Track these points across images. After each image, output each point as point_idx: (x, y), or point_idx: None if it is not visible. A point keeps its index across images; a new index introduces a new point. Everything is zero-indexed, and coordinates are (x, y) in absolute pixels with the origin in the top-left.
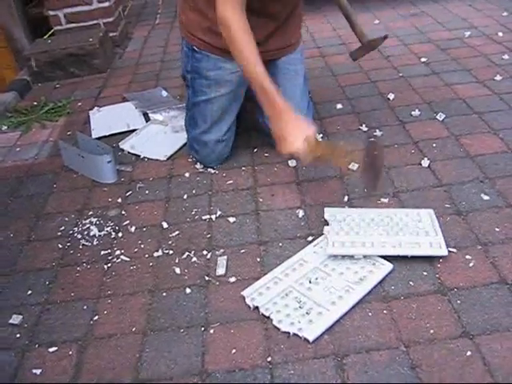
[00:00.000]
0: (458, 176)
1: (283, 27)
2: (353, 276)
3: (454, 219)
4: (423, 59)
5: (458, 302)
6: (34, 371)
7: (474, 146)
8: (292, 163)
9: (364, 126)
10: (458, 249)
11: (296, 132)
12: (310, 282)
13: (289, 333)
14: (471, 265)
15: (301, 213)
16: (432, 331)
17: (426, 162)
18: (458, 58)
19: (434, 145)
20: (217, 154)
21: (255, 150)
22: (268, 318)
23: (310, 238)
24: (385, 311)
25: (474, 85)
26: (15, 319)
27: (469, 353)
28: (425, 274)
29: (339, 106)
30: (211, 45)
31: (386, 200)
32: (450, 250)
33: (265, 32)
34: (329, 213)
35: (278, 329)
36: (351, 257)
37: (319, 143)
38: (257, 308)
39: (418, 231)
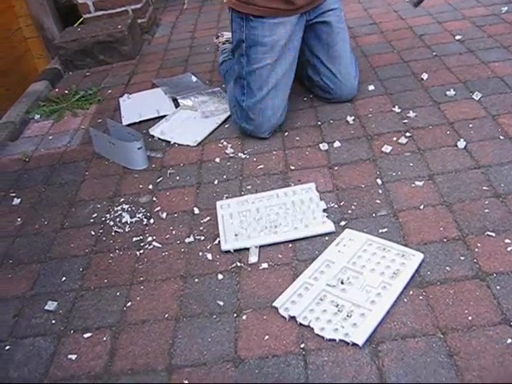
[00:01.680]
0: (496, 157)
1: None
2: (385, 271)
3: (492, 202)
4: (458, 37)
5: (498, 287)
6: (70, 356)
7: None
8: (324, 147)
9: (397, 107)
10: (497, 232)
11: None
12: (342, 282)
13: (335, 340)
14: (510, 249)
15: (333, 197)
16: (470, 318)
17: (462, 144)
18: (494, 35)
19: (471, 125)
20: (272, 123)
21: (286, 134)
22: (308, 326)
23: (342, 223)
24: (421, 297)
25: None
26: (50, 305)
27: (509, 340)
28: (462, 258)
29: (371, 87)
30: (265, 7)
31: (420, 183)
32: (489, 233)
33: None
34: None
35: (322, 337)
36: (377, 251)
37: None
38: (293, 318)
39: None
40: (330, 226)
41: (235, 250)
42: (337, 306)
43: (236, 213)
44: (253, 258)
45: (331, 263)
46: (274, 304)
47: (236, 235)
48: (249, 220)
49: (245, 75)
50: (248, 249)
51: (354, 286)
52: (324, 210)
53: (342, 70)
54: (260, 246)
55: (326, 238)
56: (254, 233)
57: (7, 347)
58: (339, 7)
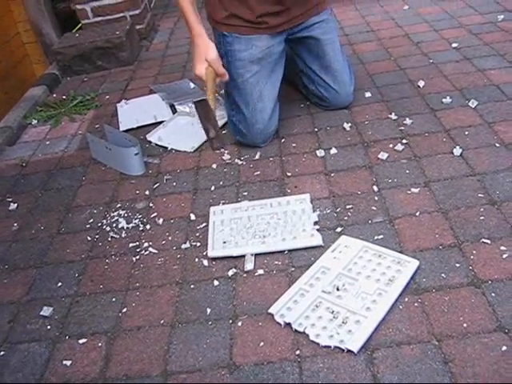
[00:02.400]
0: (492, 165)
1: None
2: (381, 278)
3: (487, 209)
4: (454, 44)
5: (493, 294)
6: (65, 362)
7: (509, 133)
8: (320, 153)
9: (393, 114)
10: (493, 240)
11: (201, 57)
12: (337, 289)
13: (330, 346)
14: (506, 256)
15: (329, 203)
16: (465, 325)
17: (458, 151)
18: (490, 43)
19: (467, 133)
20: (265, 134)
21: (283, 141)
22: (303, 333)
23: (338, 229)
24: (416, 304)
25: (508, 70)
26: (46, 311)
27: (504, 348)
28: (457, 265)
29: (368, 94)
30: (237, 26)
31: (416, 190)
32: (484, 240)
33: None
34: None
35: (318, 344)
36: (373, 258)
37: (211, 76)
38: (289, 324)
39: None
40: (317, 240)
41: (233, 257)
42: (332, 312)
43: (228, 220)
44: (248, 266)
45: (327, 270)
46: (269, 310)
47: (224, 242)
48: (239, 227)
49: (230, 91)
50: (244, 256)
51: (349, 293)
52: (315, 223)
53: (335, 78)
54: (256, 254)
55: (322, 244)
56: (242, 241)
57: (2, 353)
58: (327, 18)
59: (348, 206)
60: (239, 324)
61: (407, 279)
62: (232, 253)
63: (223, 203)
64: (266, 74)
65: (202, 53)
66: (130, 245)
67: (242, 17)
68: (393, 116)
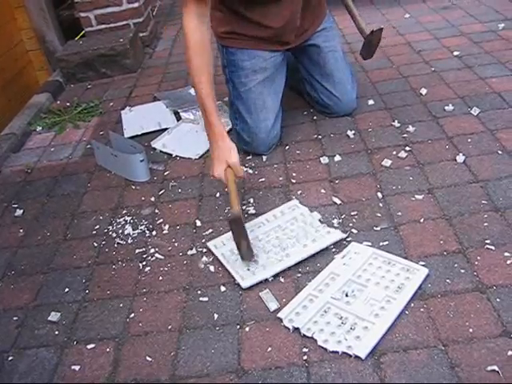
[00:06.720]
0: (495, 172)
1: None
2: (390, 285)
3: (491, 216)
4: (456, 53)
5: (498, 300)
6: (73, 367)
7: (511, 140)
8: (324, 160)
9: (396, 121)
10: (496, 246)
11: (221, 159)
12: (346, 295)
13: (338, 352)
14: (510, 262)
15: (334, 210)
16: (471, 330)
17: (461, 158)
18: (491, 51)
19: (469, 140)
20: (268, 143)
21: (287, 148)
22: (311, 338)
23: (344, 236)
24: (422, 309)
25: (510, 78)
26: (54, 316)
27: (510, 352)
28: (462, 271)
29: (371, 102)
30: (244, 41)
31: (420, 197)
32: (488, 246)
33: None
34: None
35: (325, 349)
36: (383, 265)
37: (232, 178)
38: (297, 329)
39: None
40: (339, 234)
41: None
42: (340, 318)
43: (235, 248)
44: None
45: (336, 276)
46: (278, 315)
47: (248, 269)
48: (255, 251)
49: (233, 100)
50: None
51: (358, 299)
52: (320, 221)
53: (337, 86)
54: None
55: (328, 251)
56: (266, 261)
57: (10, 358)
58: (329, 26)
59: (353, 213)
60: (247, 329)
61: (416, 287)
62: (265, 275)
63: (229, 210)
64: (269, 83)
65: (222, 155)
66: (137, 251)
67: (247, 34)
68: (396, 123)
